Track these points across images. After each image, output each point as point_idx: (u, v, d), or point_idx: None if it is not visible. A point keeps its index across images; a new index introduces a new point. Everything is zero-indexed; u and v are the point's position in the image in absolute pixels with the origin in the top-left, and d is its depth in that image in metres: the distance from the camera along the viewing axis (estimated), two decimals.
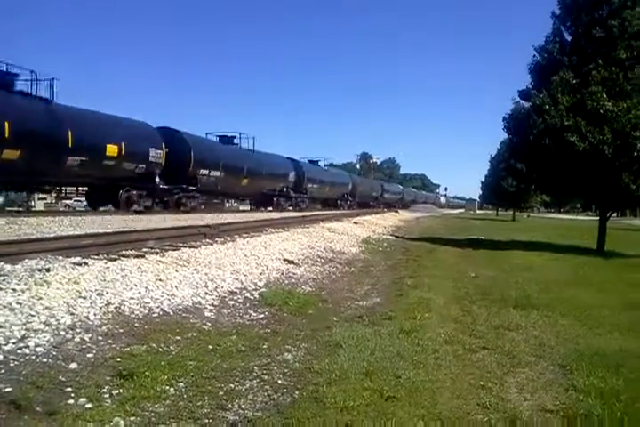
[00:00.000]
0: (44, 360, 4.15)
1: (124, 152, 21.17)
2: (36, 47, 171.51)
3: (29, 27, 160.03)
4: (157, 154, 23.50)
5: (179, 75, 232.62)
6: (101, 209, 22.76)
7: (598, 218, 19.88)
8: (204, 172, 27.15)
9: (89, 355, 4.41)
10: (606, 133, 15.59)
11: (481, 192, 76.10)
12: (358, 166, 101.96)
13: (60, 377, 3.93)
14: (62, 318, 4.99)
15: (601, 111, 15.70)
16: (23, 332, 4.51)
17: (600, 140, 15.61)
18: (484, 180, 65.63)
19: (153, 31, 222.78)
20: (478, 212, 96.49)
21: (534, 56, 18.05)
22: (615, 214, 23.92)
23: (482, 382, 4.48)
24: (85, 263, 6.99)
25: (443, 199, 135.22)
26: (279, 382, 4.38)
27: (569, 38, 17.65)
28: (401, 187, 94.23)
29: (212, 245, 10.58)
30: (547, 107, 16.20)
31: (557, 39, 17.59)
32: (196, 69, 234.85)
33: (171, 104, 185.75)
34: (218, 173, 28.36)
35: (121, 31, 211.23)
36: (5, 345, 4.25)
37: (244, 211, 32.89)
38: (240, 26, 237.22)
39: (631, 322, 6.87)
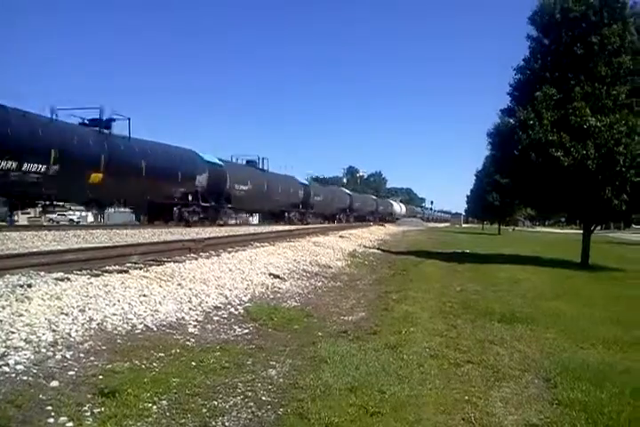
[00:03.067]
0: (24, 378, 4.08)
1: None
2: None
3: None
4: None
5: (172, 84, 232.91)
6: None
7: (582, 231, 20.06)
8: (8, 164, 17.06)
9: (70, 372, 4.34)
10: (590, 148, 15.80)
11: (467, 206, 76.76)
12: (345, 180, 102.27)
13: (41, 396, 3.87)
14: (43, 334, 4.92)
15: (584, 126, 15.92)
16: (3, 349, 4.44)
17: (584, 155, 15.82)
18: (469, 194, 66.18)
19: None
20: (464, 226, 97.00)
21: (515, 74, 18.30)
22: (599, 228, 24.14)
23: (467, 397, 4.47)
24: (68, 279, 6.93)
25: (398, 208, 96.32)
26: (263, 398, 4.34)
27: (549, 57, 17.87)
28: (375, 198, 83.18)
29: (196, 259, 10.52)
30: (531, 122, 16.40)
31: (538, 56, 17.83)
32: (181, 79, 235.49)
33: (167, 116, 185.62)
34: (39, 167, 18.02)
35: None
36: None
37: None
38: (227, 31, 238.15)
39: (615, 335, 6.90)
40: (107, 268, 8.51)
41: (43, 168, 18.24)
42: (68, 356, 4.64)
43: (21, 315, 5.23)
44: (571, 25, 17.05)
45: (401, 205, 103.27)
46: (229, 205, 31.73)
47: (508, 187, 21.95)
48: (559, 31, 17.25)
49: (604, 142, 15.81)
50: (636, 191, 16.34)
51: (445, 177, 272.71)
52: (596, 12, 16.75)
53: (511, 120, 17.87)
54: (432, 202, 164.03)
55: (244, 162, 38.45)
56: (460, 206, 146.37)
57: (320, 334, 6.70)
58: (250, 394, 4.41)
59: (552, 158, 15.97)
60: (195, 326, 6.38)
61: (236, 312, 7.40)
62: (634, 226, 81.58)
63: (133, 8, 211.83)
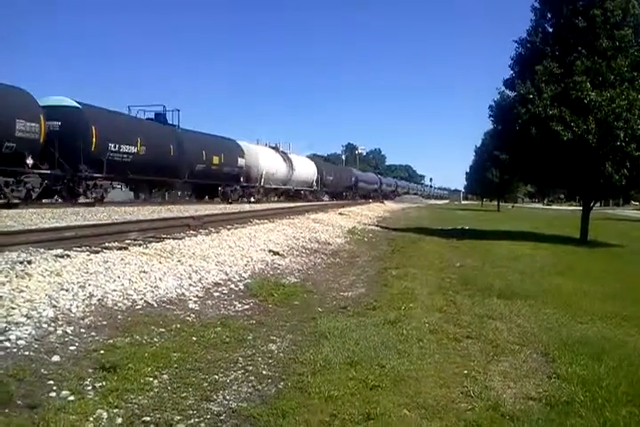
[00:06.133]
0: (26, 353, 4.10)
1: None
2: None
3: None
4: None
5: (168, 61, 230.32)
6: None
7: (582, 208, 20.05)
8: None
9: (71, 347, 4.37)
10: (590, 123, 15.69)
11: (466, 183, 76.68)
12: (344, 157, 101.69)
13: (42, 370, 3.89)
14: (44, 310, 4.93)
15: (585, 101, 15.80)
16: (4, 325, 4.45)
17: (584, 129, 15.72)
18: (468, 170, 66.04)
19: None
20: (463, 202, 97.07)
21: (517, 48, 18.10)
22: (598, 204, 24.14)
23: (466, 371, 4.50)
24: (67, 255, 6.92)
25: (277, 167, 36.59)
26: (264, 372, 4.37)
27: (550, 30, 17.68)
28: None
29: (196, 236, 10.51)
30: (531, 96, 16.26)
31: (540, 29, 17.63)
32: (182, 54, 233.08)
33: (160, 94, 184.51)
34: None
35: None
36: None
37: None
38: (231, 13, 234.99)
39: (613, 310, 6.94)
40: (106, 244, 8.50)
41: None
42: (68, 331, 4.66)
43: (22, 291, 5.23)
44: None
45: (305, 161, 45.29)
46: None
47: (508, 163, 21.84)
48: (561, 3, 17.01)
49: (605, 117, 15.70)
50: (636, 166, 16.29)
51: (445, 154, 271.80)
52: None
53: (511, 94, 17.76)
54: (431, 179, 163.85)
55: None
56: (460, 183, 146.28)
57: (320, 309, 6.73)
58: (250, 368, 4.44)
59: (552, 133, 15.88)
60: (195, 302, 6.39)
61: (237, 288, 7.42)
62: (632, 202, 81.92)
63: None
